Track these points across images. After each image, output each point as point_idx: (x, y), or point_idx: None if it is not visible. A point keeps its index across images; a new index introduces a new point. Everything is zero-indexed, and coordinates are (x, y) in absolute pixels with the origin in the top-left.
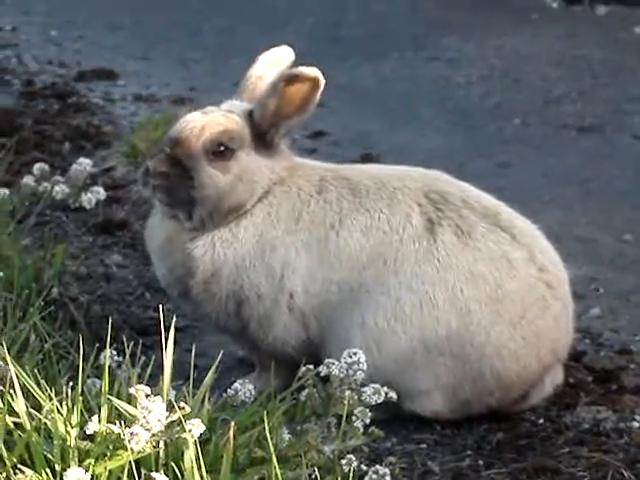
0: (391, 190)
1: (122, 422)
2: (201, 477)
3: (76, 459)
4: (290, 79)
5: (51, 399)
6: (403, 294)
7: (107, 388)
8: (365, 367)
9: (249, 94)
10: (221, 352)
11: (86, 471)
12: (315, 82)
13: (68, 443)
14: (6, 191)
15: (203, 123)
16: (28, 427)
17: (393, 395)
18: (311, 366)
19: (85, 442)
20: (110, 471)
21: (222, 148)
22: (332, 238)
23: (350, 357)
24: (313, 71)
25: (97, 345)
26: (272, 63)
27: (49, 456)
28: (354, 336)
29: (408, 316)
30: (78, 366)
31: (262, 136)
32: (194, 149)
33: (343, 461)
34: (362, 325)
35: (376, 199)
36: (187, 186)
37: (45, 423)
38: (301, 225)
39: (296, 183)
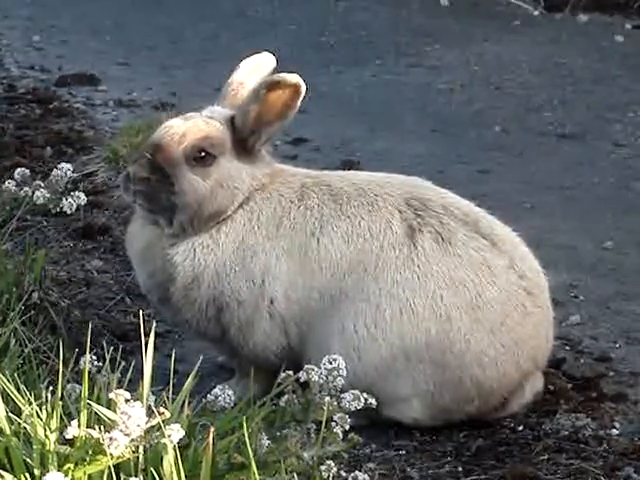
0: (372, 197)
1: (101, 427)
2: None
3: (55, 464)
4: (271, 86)
5: (30, 404)
6: (383, 301)
7: (87, 393)
8: (345, 373)
9: (230, 100)
10: (201, 358)
11: (65, 476)
12: (296, 88)
13: (47, 448)
14: None
15: (184, 129)
16: (7, 431)
17: (372, 401)
18: (291, 372)
19: (64, 447)
20: (89, 476)
21: (203, 154)
22: (313, 245)
23: (330, 363)
24: (294, 78)
25: (77, 350)
26: (253, 69)
27: (28, 461)
28: (334, 343)
29: (388, 323)
30: (58, 371)
31: (243, 142)
32: (175, 155)
33: (322, 467)
34: (342, 332)
35: (357, 205)
36: (168, 192)
37: (24, 428)
38: (282, 231)
39: (277, 189)
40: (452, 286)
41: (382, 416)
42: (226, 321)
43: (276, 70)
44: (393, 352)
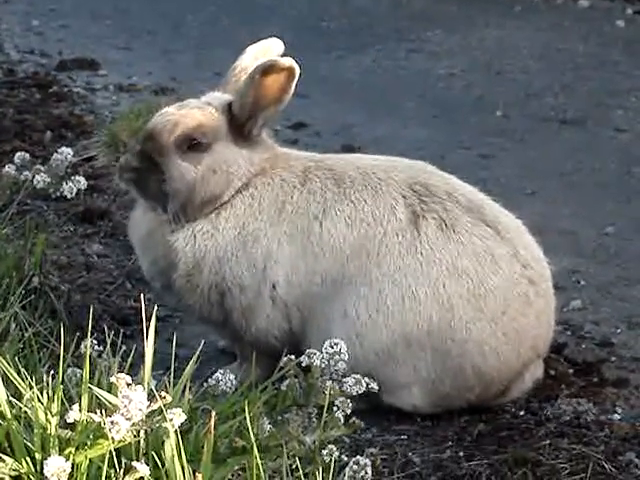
0: (376, 181)
1: (103, 411)
2: (182, 467)
3: (56, 448)
4: (265, 70)
5: (31, 388)
6: (385, 287)
7: (88, 377)
8: (346, 357)
9: (232, 86)
10: (202, 342)
11: (66, 460)
12: (290, 72)
13: (48, 432)
14: None
15: (176, 118)
16: (8, 415)
17: (374, 386)
18: (292, 356)
19: (66, 431)
20: (91, 460)
21: (196, 142)
22: (316, 229)
23: (331, 347)
24: (288, 61)
25: (78, 334)
26: (259, 55)
27: (29, 445)
28: (335, 327)
29: (390, 309)
30: (59, 355)
31: (240, 127)
32: (165, 144)
33: (324, 451)
34: (344, 316)
35: (361, 190)
36: (158, 180)
37: (25, 412)
38: (284, 216)
39: (279, 174)
40: (455, 274)
41: (382, 402)
42: (229, 306)
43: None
44: (394, 338)
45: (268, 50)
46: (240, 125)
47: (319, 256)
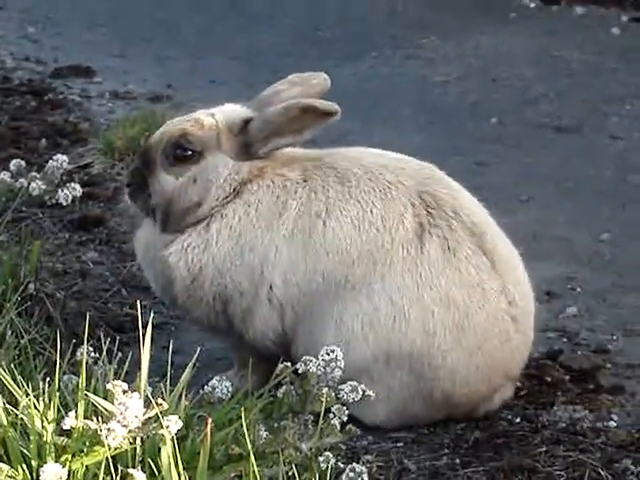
0: (384, 183)
1: (99, 418)
2: (178, 474)
3: (53, 455)
4: (307, 109)
5: (27, 395)
6: (382, 304)
7: (84, 384)
8: (343, 365)
9: (260, 104)
10: (198, 349)
11: (63, 467)
12: (332, 115)
13: (45, 439)
14: None
15: (166, 129)
16: (4, 422)
17: (371, 393)
18: (288, 363)
19: (62, 438)
20: (87, 467)
21: (188, 152)
22: (319, 227)
23: (327, 354)
24: (332, 107)
25: (73, 341)
26: (298, 83)
27: (25, 452)
28: (328, 330)
29: (381, 325)
30: (55, 362)
31: (248, 145)
32: (152, 157)
33: (320, 458)
34: (339, 321)
35: (368, 191)
36: (144, 195)
37: (21, 419)
38: (284, 218)
39: (280, 174)
40: (445, 304)
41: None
42: (231, 312)
43: (323, 91)
44: (377, 355)
45: (311, 83)
46: (249, 143)
47: (321, 255)
